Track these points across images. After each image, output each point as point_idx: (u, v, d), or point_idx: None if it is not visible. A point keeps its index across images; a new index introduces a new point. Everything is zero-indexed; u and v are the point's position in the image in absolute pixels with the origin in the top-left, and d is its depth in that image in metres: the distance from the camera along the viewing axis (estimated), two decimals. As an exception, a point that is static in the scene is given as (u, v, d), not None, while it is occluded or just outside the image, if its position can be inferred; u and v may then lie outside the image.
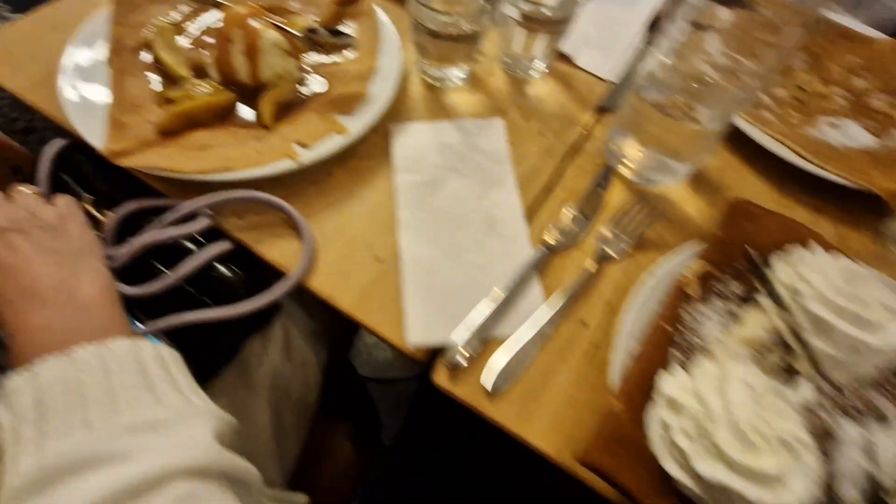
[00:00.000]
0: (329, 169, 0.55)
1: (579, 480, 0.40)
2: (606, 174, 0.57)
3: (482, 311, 0.47)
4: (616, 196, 0.57)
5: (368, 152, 0.57)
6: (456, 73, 0.63)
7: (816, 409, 0.37)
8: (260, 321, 0.53)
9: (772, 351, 0.42)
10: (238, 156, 0.51)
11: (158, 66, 0.58)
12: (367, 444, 0.77)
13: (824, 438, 0.36)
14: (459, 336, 0.45)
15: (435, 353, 0.46)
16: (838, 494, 0.35)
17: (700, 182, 0.60)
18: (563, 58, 0.69)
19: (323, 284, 0.48)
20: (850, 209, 0.59)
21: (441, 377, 0.44)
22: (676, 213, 0.57)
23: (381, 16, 0.65)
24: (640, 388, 0.40)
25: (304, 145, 0.52)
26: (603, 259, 0.51)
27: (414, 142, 0.58)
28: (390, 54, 0.60)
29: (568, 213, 0.54)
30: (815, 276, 0.42)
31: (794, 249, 0.45)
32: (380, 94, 0.57)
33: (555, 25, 0.60)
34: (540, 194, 0.56)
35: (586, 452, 0.37)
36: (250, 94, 0.56)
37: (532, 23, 0.59)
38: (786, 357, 0.42)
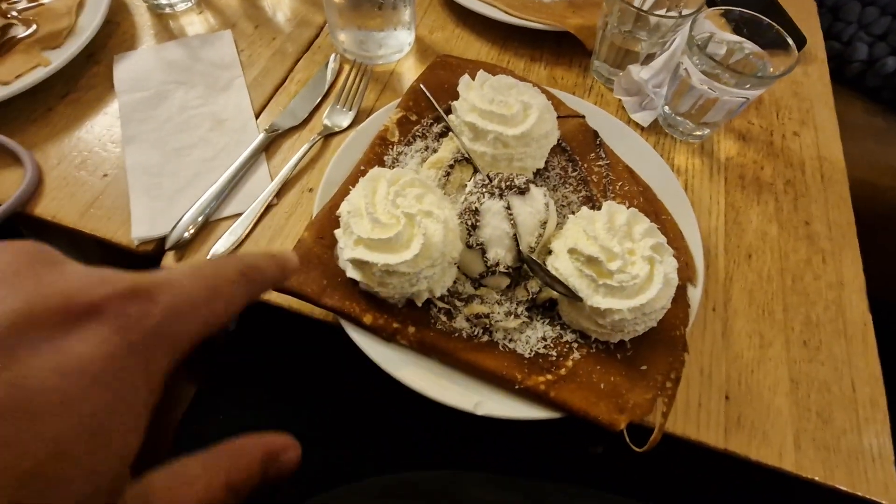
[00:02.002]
0: (49, 104, 0.55)
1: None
2: (331, 61, 0.61)
3: (208, 196, 0.49)
4: (343, 78, 0.60)
5: (91, 83, 0.57)
6: (180, -4, 0.64)
7: (468, 196, 0.43)
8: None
9: (453, 167, 0.48)
10: (-66, 104, 0.50)
11: None
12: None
13: (475, 214, 0.42)
14: (183, 221, 0.48)
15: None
16: (488, 255, 0.42)
17: (428, 54, 0.65)
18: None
19: (46, 208, 0.49)
20: (563, 54, 0.66)
21: (168, 261, 0.47)
22: (403, 84, 0.61)
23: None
24: (330, 219, 0.44)
25: (5, 83, 0.52)
26: (327, 132, 0.55)
27: (137, 65, 0.59)
28: (98, -15, 0.60)
29: (296, 100, 0.58)
30: (471, 93, 0.48)
31: (465, 81, 0.50)
32: (88, 24, 0.57)
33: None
34: (273, 91, 0.59)
35: (275, 278, 0.41)
36: (-53, 47, 0.54)
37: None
38: (463, 168, 0.48)
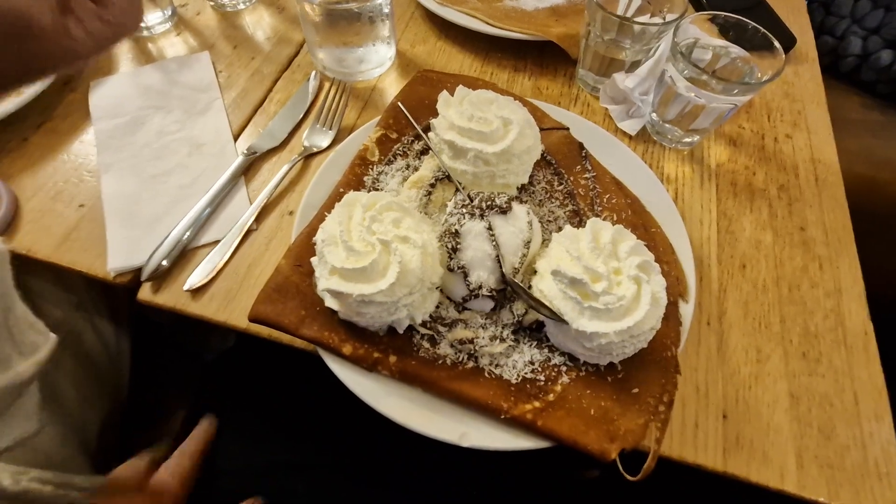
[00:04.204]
0: (24, 134, 0.54)
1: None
2: (311, 79, 0.60)
3: (185, 223, 0.48)
4: (324, 97, 0.59)
5: (67, 112, 0.56)
6: (157, 18, 0.63)
7: (449, 217, 0.42)
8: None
9: (435, 186, 0.47)
10: None
11: None
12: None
13: (455, 236, 0.41)
14: (160, 251, 0.47)
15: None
16: (470, 279, 0.40)
17: (410, 68, 0.64)
18: (277, -14, 0.70)
19: (21, 241, 0.48)
20: (548, 63, 0.65)
21: (144, 293, 0.46)
22: (385, 99, 0.60)
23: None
24: (307, 246, 0.43)
25: (-22, 115, 0.51)
26: (308, 153, 0.54)
27: (114, 91, 0.58)
28: (73, 12, 0.60)
29: (275, 121, 0.57)
30: (450, 110, 0.46)
31: (444, 98, 0.49)
32: (63, 51, 0.56)
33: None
34: (252, 112, 0.58)
35: (252, 309, 0.40)
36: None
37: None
38: (445, 187, 0.47)
